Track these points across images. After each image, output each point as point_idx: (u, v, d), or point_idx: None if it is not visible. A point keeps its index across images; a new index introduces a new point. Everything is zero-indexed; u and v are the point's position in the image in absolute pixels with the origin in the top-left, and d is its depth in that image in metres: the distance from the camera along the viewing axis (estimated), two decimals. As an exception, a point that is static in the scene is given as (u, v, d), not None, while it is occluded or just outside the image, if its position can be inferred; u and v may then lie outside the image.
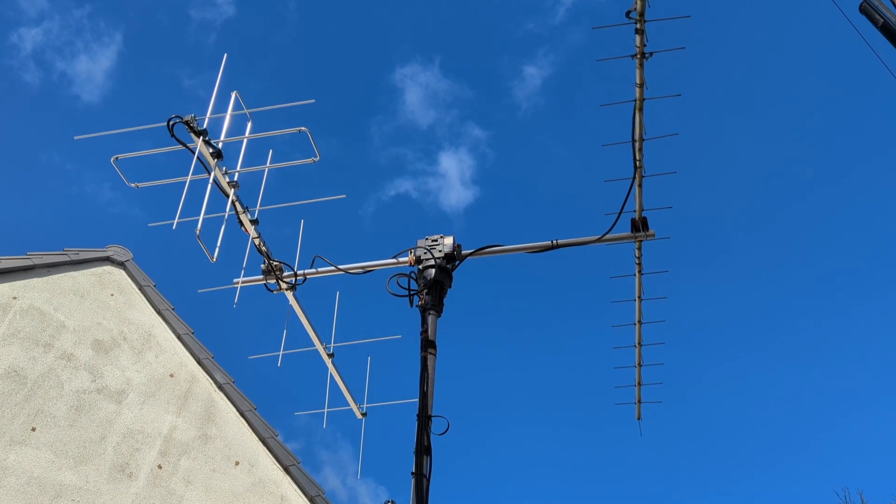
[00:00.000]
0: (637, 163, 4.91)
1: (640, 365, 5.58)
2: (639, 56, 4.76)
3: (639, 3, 4.61)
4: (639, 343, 5.51)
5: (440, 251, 4.67)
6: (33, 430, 6.64)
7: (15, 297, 7.28)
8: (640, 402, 5.70)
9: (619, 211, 4.79)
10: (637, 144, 4.91)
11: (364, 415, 5.39)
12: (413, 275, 4.63)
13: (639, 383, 5.65)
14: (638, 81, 4.83)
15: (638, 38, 4.71)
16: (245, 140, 4.49)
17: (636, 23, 4.66)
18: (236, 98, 4.44)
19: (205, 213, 4.12)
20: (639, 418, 5.74)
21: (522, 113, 25.09)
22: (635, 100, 4.86)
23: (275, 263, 4.91)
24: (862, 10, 4.19)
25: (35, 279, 7.55)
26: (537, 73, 24.52)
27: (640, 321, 5.43)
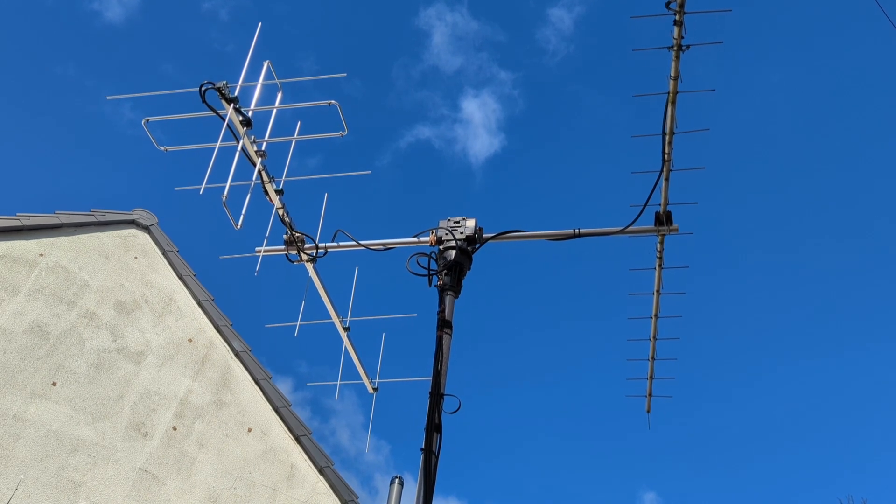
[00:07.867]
0: (666, 156, 4.87)
1: (653, 359, 5.57)
2: (675, 48, 4.69)
3: None
4: (654, 337, 5.49)
5: (462, 233, 4.68)
6: (54, 384, 6.77)
7: (41, 255, 7.41)
8: (650, 395, 5.70)
9: (644, 203, 4.77)
10: (667, 137, 4.85)
11: (376, 389, 5.44)
12: (433, 255, 4.65)
13: (651, 377, 5.64)
14: (672, 74, 4.76)
15: (676, 29, 4.63)
16: (275, 110, 4.51)
17: (675, 14, 4.59)
18: (268, 67, 4.46)
19: (231, 181, 4.16)
20: (648, 411, 5.74)
21: (550, 57, 24.15)
22: (668, 92, 4.81)
23: (297, 235, 4.94)
24: None
25: (62, 238, 7.67)
26: (567, 16, 23.58)
27: (656, 315, 5.40)
